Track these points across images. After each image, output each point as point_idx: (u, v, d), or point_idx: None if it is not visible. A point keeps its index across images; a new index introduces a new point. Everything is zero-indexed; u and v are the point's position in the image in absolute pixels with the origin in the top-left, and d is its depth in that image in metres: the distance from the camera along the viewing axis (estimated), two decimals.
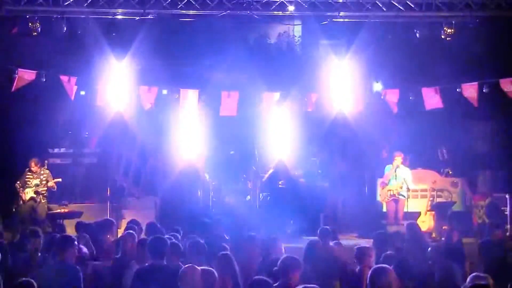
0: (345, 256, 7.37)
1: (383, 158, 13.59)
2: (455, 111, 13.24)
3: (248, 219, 11.94)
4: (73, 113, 13.63)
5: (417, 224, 9.67)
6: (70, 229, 9.91)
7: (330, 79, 13.29)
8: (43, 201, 12.09)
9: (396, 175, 12.19)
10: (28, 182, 12.07)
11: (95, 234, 8.50)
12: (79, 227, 9.36)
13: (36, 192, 12.02)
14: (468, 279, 5.58)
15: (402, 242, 8.29)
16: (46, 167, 12.38)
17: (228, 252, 6.58)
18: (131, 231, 7.77)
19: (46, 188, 12.12)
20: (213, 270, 5.71)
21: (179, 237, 8.02)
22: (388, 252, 6.98)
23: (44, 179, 12.14)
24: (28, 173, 12.15)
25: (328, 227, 8.95)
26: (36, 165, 12.18)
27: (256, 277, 5.64)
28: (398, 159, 12.25)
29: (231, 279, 6.09)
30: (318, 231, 8.43)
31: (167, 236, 7.33)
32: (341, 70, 13.24)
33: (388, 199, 12.31)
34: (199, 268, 5.63)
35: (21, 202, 12.06)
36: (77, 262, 6.59)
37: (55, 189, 12.30)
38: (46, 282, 5.88)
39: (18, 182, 12.13)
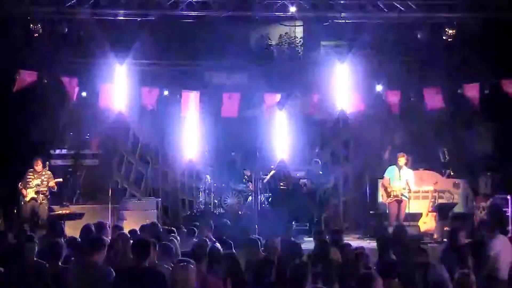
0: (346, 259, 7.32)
1: (385, 159, 13.58)
2: (457, 112, 13.22)
3: (249, 220, 11.94)
4: (75, 114, 13.63)
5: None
6: (73, 231, 9.88)
7: (332, 80, 13.30)
8: (44, 202, 12.08)
9: (400, 176, 12.20)
10: (29, 182, 12.07)
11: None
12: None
13: (36, 192, 12.02)
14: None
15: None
16: (47, 169, 12.39)
17: (234, 252, 6.53)
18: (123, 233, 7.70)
19: (47, 188, 12.12)
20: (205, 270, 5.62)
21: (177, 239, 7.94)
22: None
23: (45, 179, 12.14)
24: (30, 173, 12.15)
25: (323, 228, 8.89)
26: (40, 165, 12.21)
27: None
28: (402, 160, 12.25)
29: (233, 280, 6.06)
30: (313, 232, 8.38)
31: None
32: (343, 71, 13.26)
33: (391, 200, 12.31)
34: (192, 267, 5.56)
35: (22, 203, 12.04)
36: None
37: (55, 189, 12.28)
38: (77, 283, 5.93)
39: (21, 183, 12.13)
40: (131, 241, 6.59)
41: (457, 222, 11.73)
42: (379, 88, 13.35)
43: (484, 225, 8.56)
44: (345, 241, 8.15)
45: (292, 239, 8.68)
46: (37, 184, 12.06)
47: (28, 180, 12.09)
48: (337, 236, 8.19)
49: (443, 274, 6.02)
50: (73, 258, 6.66)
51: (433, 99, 12.81)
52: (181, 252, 7.06)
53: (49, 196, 12.18)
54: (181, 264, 5.50)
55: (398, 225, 9.55)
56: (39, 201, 12.02)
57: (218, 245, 7.24)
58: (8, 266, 6.35)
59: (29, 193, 12.02)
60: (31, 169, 12.18)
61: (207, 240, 7.53)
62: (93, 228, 8.33)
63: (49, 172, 12.31)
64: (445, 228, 12.04)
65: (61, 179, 12.44)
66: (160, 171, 14.77)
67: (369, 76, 13.24)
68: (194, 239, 8.12)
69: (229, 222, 9.94)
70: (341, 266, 6.93)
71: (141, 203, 13.66)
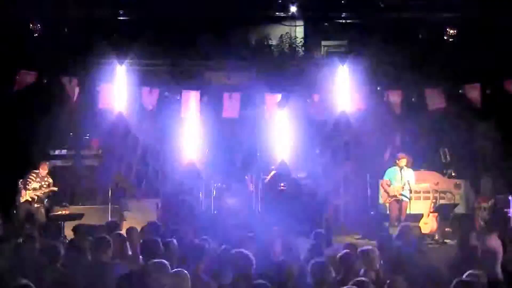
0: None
1: (385, 160, 13.54)
2: (458, 112, 13.18)
3: (249, 221, 11.90)
4: (75, 114, 13.60)
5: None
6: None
7: (333, 80, 13.27)
8: (38, 205, 12.06)
9: (402, 177, 12.19)
10: (28, 183, 12.05)
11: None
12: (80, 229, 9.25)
13: (32, 196, 12.01)
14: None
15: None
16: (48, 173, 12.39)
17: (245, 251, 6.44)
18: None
19: (42, 194, 12.12)
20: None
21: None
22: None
23: (44, 185, 12.15)
24: (33, 174, 12.14)
25: (321, 230, 8.81)
26: (45, 169, 12.22)
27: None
28: (403, 160, 12.24)
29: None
30: (312, 234, 8.34)
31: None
32: (344, 71, 13.23)
33: (390, 199, 12.30)
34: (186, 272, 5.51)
35: (17, 203, 12.03)
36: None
37: (47, 197, 12.26)
38: (82, 281, 5.94)
39: (21, 181, 12.12)
40: (140, 241, 6.60)
41: (458, 223, 11.70)
42: (379, 88, 13.31)
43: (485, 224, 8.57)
44: (346, 242, 8.11)
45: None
46: (35, 187, 12.06)
47: (28, 181, 12.08)
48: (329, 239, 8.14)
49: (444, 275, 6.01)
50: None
51: (435, 99, 12.78)
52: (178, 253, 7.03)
53: (45, 201, 12.17)
54: (175, 270, 5.50)
55: (404, 225, 9.46)
56: (34, 204, 12.01)
57: (217, 246, 7.22)
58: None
59: (26, 194, 12.00)
60: (35, 171, 12.19)
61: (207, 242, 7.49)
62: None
63: (50, 180, 12.32)
64: (446, 229, 12.02)
65: (55, 189, 12.42)
66: (160, 172, 14.73)
67: (370, 76, 13.20)
68: (194, 240, 8.07)
69: (229, 223, 9.92)
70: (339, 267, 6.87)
71: (141, 204, 13.63)
